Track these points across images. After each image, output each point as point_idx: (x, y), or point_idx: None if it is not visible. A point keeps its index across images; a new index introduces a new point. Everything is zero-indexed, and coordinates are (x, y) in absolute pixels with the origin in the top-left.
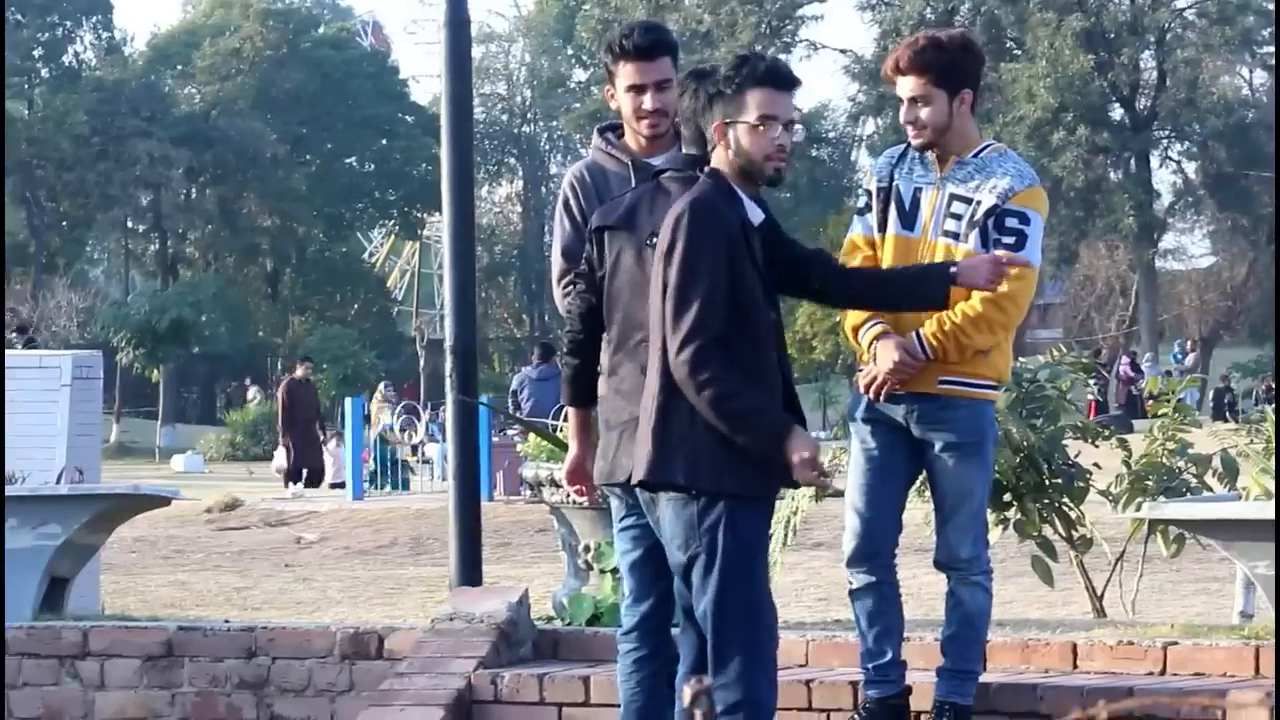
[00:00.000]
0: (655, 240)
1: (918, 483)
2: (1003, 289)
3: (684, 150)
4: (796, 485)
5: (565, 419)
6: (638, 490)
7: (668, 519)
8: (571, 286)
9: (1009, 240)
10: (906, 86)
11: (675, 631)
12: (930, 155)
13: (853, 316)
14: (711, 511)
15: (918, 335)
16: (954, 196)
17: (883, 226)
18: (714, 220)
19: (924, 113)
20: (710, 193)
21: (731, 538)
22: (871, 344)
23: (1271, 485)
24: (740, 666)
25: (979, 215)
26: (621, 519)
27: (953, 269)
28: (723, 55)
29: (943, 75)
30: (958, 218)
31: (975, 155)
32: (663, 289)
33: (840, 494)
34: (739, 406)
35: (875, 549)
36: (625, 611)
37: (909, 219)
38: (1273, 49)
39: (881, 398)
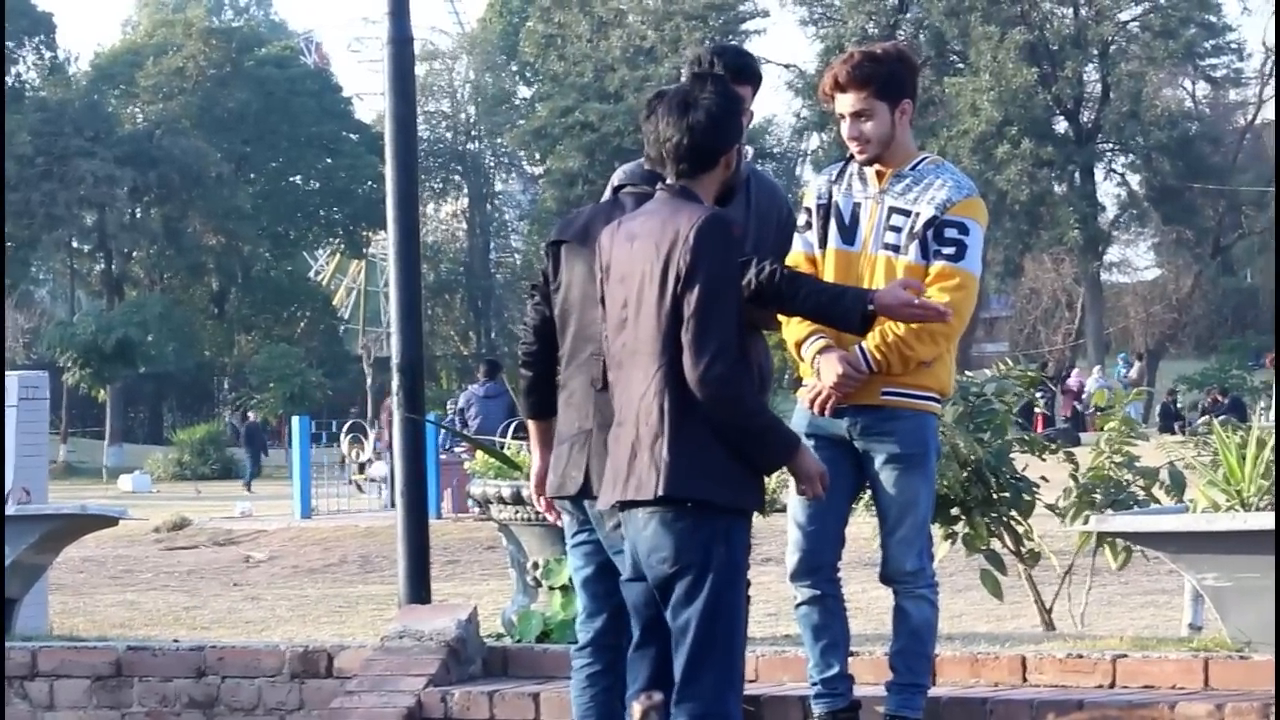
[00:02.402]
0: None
1: (865, 498)
2: (943, 300)
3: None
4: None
5: (512, 435)
6: (587, 504)
7: (649, 532)
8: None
9: (948, 250)
10: (847, 102)
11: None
12: (869, 170)
13: (794, 332)
14: (707, 525)
15: (860, 349)
16: (893, 209)
17: (823, 243)
18: (730, 238)
19: (868, 127)
20: (719, 212)
21: (726, 551)
22: (814, 359)
23: (1219, 497)
24: (714, 680)
25: (918, 227)
26: (574, 534)
27: (870, 296)
28: (667, 71)
29: (883, 87)
30: (897, 230)
31: (913, 168)
32: (672, 305)
33: (781, 510)
34: (764, 421)
35: (818, 563)
36: (579, 627)
37: (849, 233)
38: (1215, 61)
39: (827, 412)
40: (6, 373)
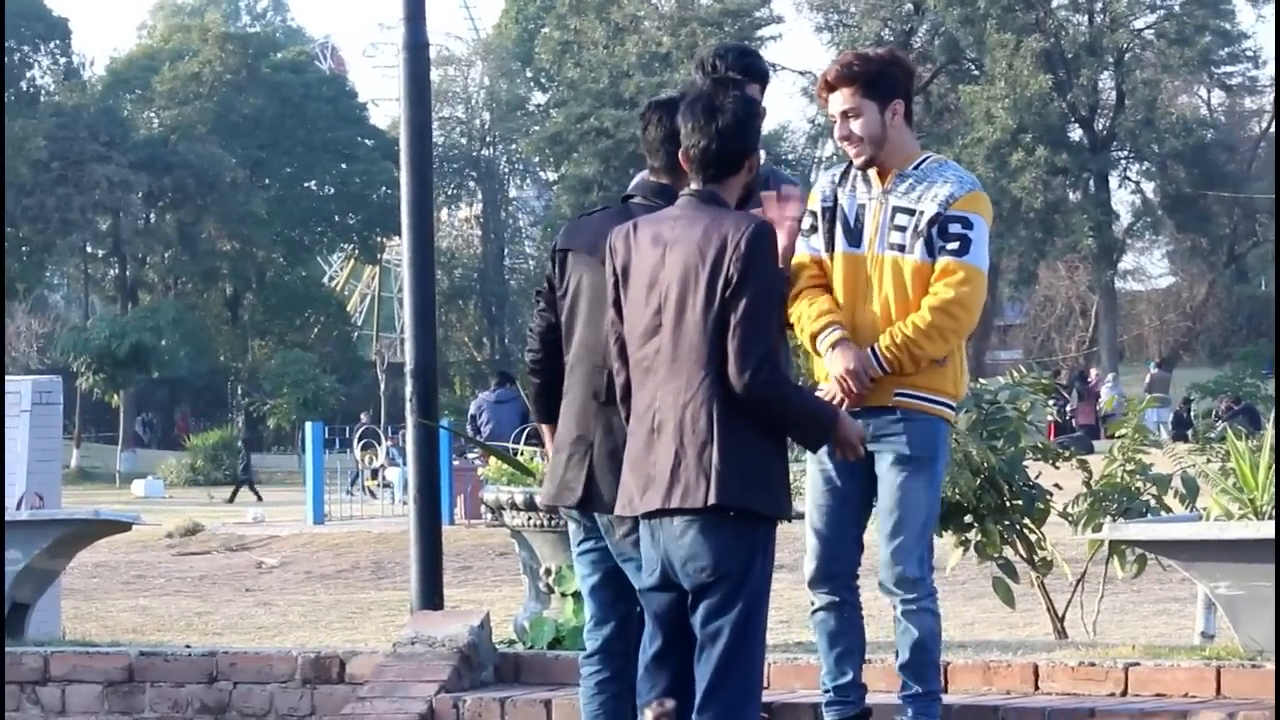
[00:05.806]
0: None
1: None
2: (949, 295)
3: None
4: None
5: (525, 441)
6: (596, 514)
7: (687, 540)
8: None
9: (953, 246)
10: (837, 101)
11: (645, 657)
12: (871, 171)
13: (810, 324)
14: (748, 534)
15: (872, 349)
16: (897, 209)
17: (830, 245)
18: (775, 247)
19: (856, 125)
20: (765, 220)
21: (763, 560)
22: (828, 351)
23: (1232, 506)
24: (740, 687)
25: (923, 225)
26: (580, 542)
27: (841, 413)
28: (683, 77)
29: (870, 85)
30: (902, 229)
31: (915, 167)
32: (719, 312)
33: (801, 517)
34: (808, 410)
35: (836, 570)
36: (587, 635)
37: (855, 235)
38: (1230, 69)
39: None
40: (21, 378)
